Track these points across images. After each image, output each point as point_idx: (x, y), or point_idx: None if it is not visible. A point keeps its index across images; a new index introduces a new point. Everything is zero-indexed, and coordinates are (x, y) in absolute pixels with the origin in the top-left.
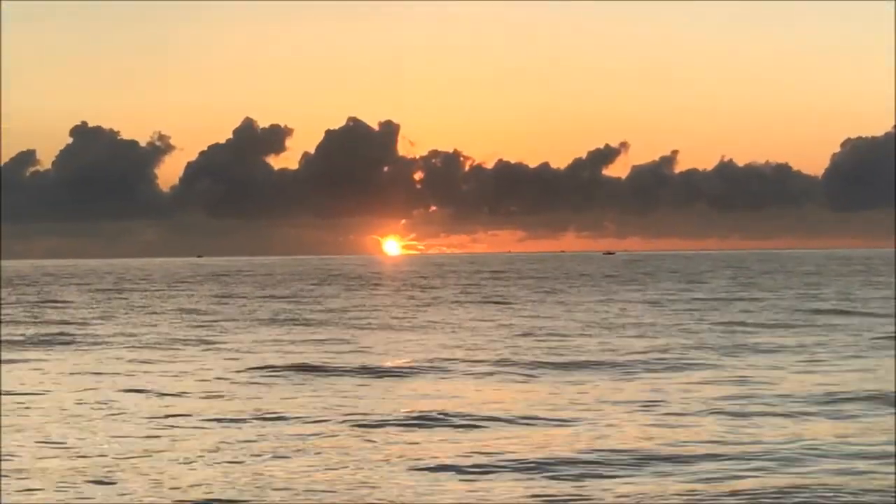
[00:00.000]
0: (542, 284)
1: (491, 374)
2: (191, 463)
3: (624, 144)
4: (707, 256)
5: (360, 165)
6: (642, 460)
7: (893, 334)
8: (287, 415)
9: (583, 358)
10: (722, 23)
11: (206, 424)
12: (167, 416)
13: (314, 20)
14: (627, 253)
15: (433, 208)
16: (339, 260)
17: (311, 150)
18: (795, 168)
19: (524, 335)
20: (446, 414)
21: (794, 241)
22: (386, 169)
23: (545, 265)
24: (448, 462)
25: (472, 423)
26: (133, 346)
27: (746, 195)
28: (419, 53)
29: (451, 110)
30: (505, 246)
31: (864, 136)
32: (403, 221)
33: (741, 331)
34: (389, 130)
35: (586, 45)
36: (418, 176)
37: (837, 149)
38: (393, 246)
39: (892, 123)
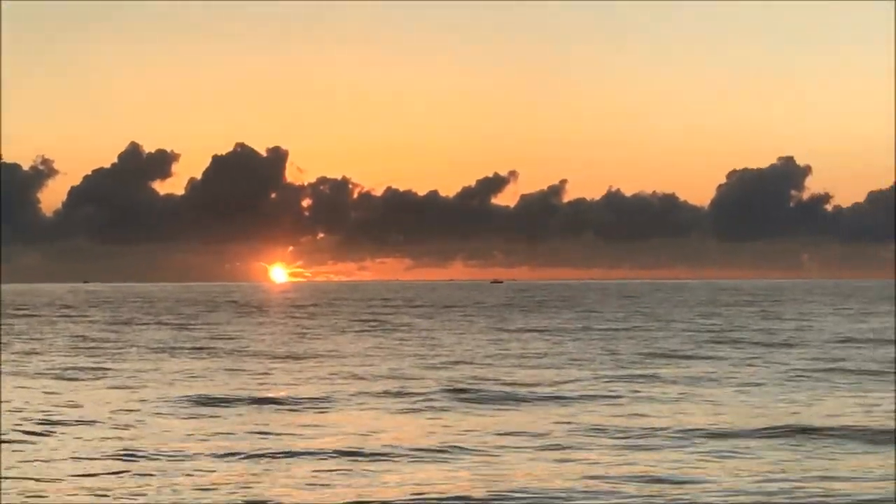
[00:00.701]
0: (436, 313)
1: (388, 404)
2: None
3: (513, 173)
4: (595, 286)
5: (247, 192)
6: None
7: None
8: (188, 451)
9: (483, 387)
10: (612, 54)
11: (116, 463)
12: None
13: (202, 44)
14: (516, 282)
15: (321, 235)
16: (226, 287)
17: (198, 176)
18: (682, 198)
19: (425, 365)
20: (349, 449)
21: (681, 272)
22: (273, 195)
23: (437, 294)
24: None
25: (372, 457)
26: (25, 375)
27: (634, 225)
28: (309, 80)
29: (341, 137)
30: (392, 274)
31: (749, 167)
32: (291, 248)
33: (631, 361)
34: (277, 157)
35: (477, 73)
36: (306, 203)
37: (723, 180)
38: (280, 273)
39: (777, 156)
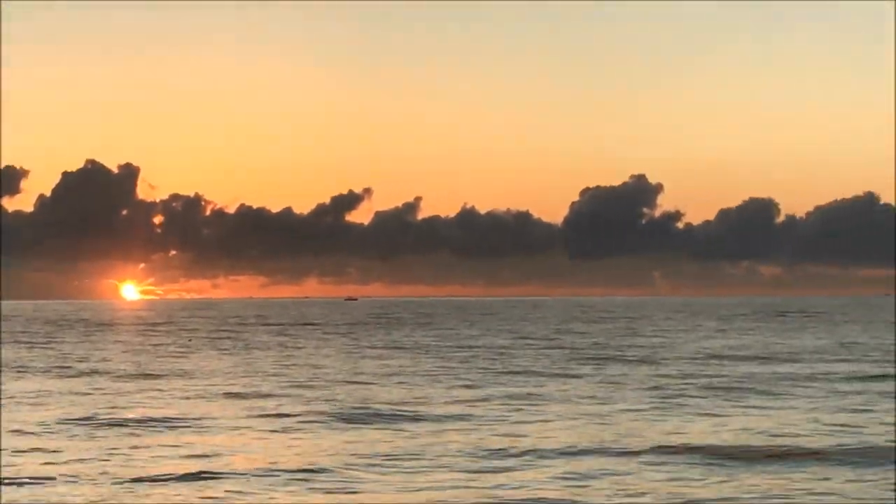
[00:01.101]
0: (294, 331)
1: (247, 424)
2: None
3: (367, 190)
4: (452, 303)
5: (97, 208)
6: None
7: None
8: (51, 473)
9: (344, 407)
10: (467, 72)
11: None
12: None
13: (51, 57)
14: (370, 299)
15: (173, 252)
16: (78, 305)
17: (47, 193)
18: (536, 216)
19: (285, 384)
20: (204, 471)
21: (536, 289)
22: (125, 212)
23: (293, 311)
24: None
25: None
26: None
27: (488, 242)
28: (161, 96)
29: (193, 153)
30: (246, 291)
31: (602, 185)
32: (142, 265)
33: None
34: (129, 173)
35: (332, 90)
36: (158, 219)
37: (577, 197)
38: (131, 291)
39: (630, 174)
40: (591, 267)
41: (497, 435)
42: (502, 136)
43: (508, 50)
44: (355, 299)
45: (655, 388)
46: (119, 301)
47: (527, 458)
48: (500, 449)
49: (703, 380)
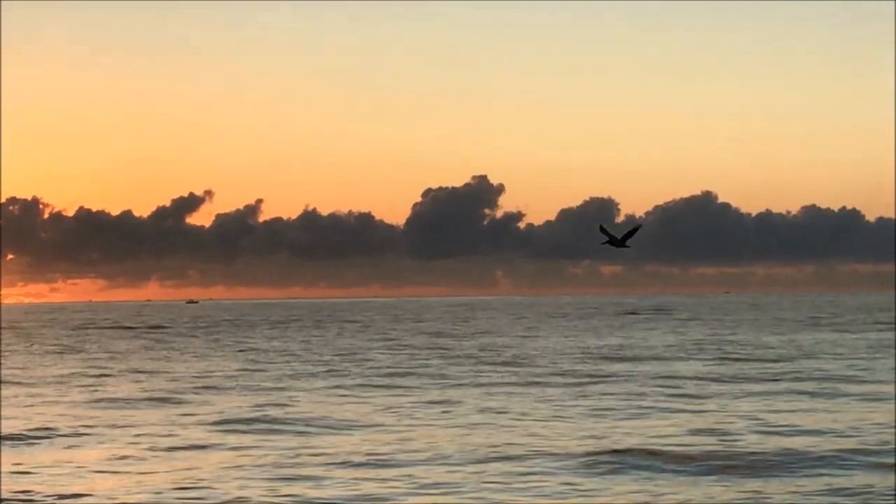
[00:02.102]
0: (137, 335)
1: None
2: None
3: (208, 193)
4: (293, 304)
5: None
6: None
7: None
8: None
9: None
10: (303, 67)
11: None
12: None
13: None
14: (212, 301)
15: (10, 257)
16: None
17: None
18: (378, 217)
19: (136, 391)
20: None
21: (377, 290)
22: None
23: (146, 314)
24: None
25: None
26: None
27: (330, 244)
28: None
29: (31, 156)
30: (85, 295)
31: (444, 186)
32: None
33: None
34: None
35: (170, 91)
36: None
37: (419, 198)
38: None
39: (472, 174)
40: (434, 268)
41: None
42: (344, 138)
43: (349, 51)
44: (196, 302)
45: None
46: None
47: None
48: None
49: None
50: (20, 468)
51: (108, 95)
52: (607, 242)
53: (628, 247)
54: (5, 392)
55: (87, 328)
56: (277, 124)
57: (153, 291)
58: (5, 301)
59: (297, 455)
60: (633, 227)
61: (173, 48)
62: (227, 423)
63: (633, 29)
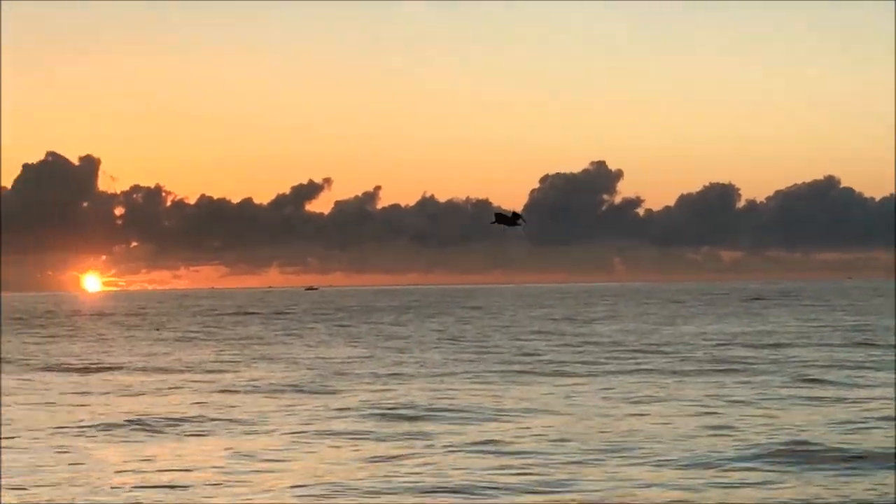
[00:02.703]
0: (271, 320)
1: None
2: None
3: (327, 180)
4: (413, 291)
5: (58, 201)
6: None
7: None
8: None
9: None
10: (420, 58)
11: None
12: None
13: (11, 52)
14: (332, 288)
15: (134, 244)
16: (41, 297)
17: (8, 186)
18: (495, 204)
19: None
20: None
21: (495, 276)
22: (85, 204)
23: (267, 301)
24: None
25: None
26: None
27: (447, 230)
28: (121, 87)
29: (154, 145)
30: (207, 282)
31: (562, 172)
32: (104, 257)
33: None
34: (89, 165)
35: (290, 80)
36: (119, 211)
37: (536, 184)
38: (93, 282)
39: (590, 160)
40: (552, 254)
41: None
42: (463, 125)
43: (468, 40)
44: (315, 288)
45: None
46: (81, 293)
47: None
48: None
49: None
50: (177, 456)
51: (229, 86)
52: (498, 222)
53: (520, 225)
54: (146, 379)
55: (222, 314)
56: (395, 112)
57: (273, 278)
58: (130, 287)
59: (474, 443)
60: (519, 216)
61: (292, 41)
62: (393, 412)
63: (754, 14)
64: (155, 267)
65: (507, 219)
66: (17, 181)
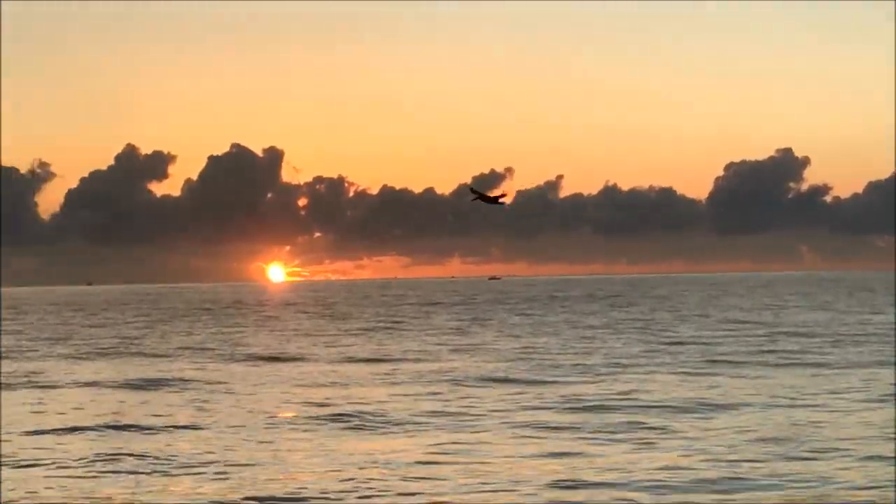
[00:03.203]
0: (477, 310)
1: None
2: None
3: (509, 170)
4: (595, 281)
5: (243, 192)
6: None
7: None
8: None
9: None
10: (604, 46)
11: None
12: None
13: (197, 46)
14: (514, 278)
15: (317, 234)
16: (230, 287)
17: (194, 177)
18: (679, 192)
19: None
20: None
21: (679, 266)
22: (270, 195)
23: (460, 292)
24: None
25: None
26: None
27: (631, 220)
28: (304, 80)
29: (337, 137)
30: (390, 272)
31: (747, 159)
32: (288, 248)
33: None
34: (273, 157)
35: (471, 71)
36: (302, 202)
37: (721, 173)
38: (277, 272)
39: (775, 147)
40: (736, 243)
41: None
42: (645, 112)
43: (658, 34)
44: (498, 278)
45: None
46: (266, 283)
47: None
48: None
49: None
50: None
51: (411, 77)
52: (477, 198)
53: (502, 204)
54: (348, 369)
55: (417, 304)
56: (578, 101)
57: (455, 268)
58: (313, 278)
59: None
60: (502, 194)
61: (473, 33)
62: (616, 404)
63: None
64: (338, 257)
65: (488, 197)
66: (202, 173)
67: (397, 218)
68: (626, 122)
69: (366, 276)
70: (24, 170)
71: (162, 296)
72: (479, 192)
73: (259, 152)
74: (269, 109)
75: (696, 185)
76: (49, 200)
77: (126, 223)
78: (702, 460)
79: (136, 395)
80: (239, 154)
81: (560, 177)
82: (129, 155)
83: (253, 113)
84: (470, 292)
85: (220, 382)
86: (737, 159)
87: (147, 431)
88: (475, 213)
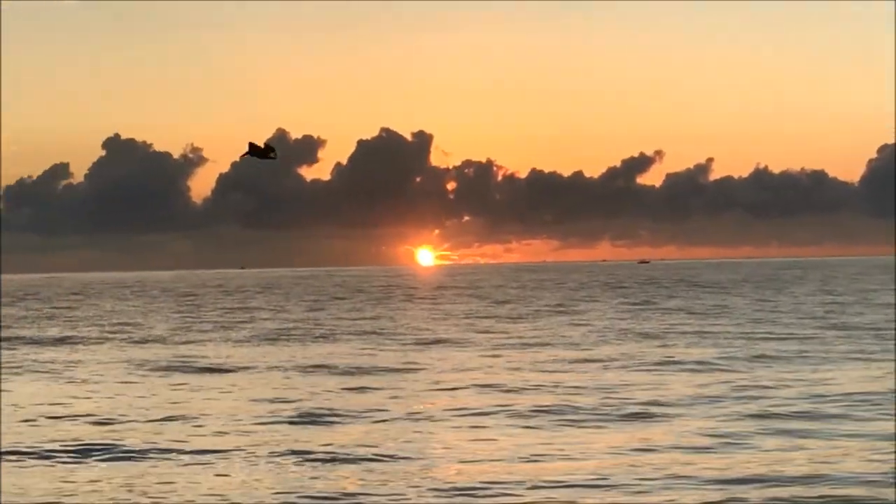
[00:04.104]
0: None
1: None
2: None
3: (658, 153)
4: (746, 264)
5: (392, 176)
6: None
7: None
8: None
9: None
10: (754, 28)
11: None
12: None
13: (347, 31)
14: (664, 261)
15: (466, 218)
16: (380, 270)
17: (344, 161)
18: (831, 175)
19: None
20: None
21: (831, 249)
22: (418, 179)
23: (627, 275)
24: None
25: None
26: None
27: (782, 202)
28: (453, 64)
29: (485, 120)
30: (539, 256)
31: None
32: (436, 231)
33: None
34: (422, 141)
35: (620, 53)
36: (451, 186)
37: (874, 154)
38: (426, 256)
39: None
40: (891, 226)
41: None
42: (796, 94)
43: (804, 13)
44: (648, 262)
45: None
46: (415, 267)
47: None
48: None
49: None
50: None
51: (559, 59)
52: (247, 155)
53: (273, 158)
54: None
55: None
56: (726, 83)
57: (604, 251)
58: (462, 261)
59: None
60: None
61: (622, 11)
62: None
63: None
64: (486, 241)
65: (260, 150)
66: (352, 157)
67: (546, 201)
68: (776, 105)
69: (515, 259)
70: (176, 155)
71: (315, 279)
72: (252, 148)
73: (408, 136)
74: (418, 93)
75: (849, 167)
76: (201, 185)
77: (276, 207)
78: None
79: (322, 380)
80: (388, 138)
81: (710, 160)
82: (279, 139)
83: (402, 97)
84: (637, 275)
85: (407, 370)
86: (890, 141)
87: (345, 422)
88: (623, 197)
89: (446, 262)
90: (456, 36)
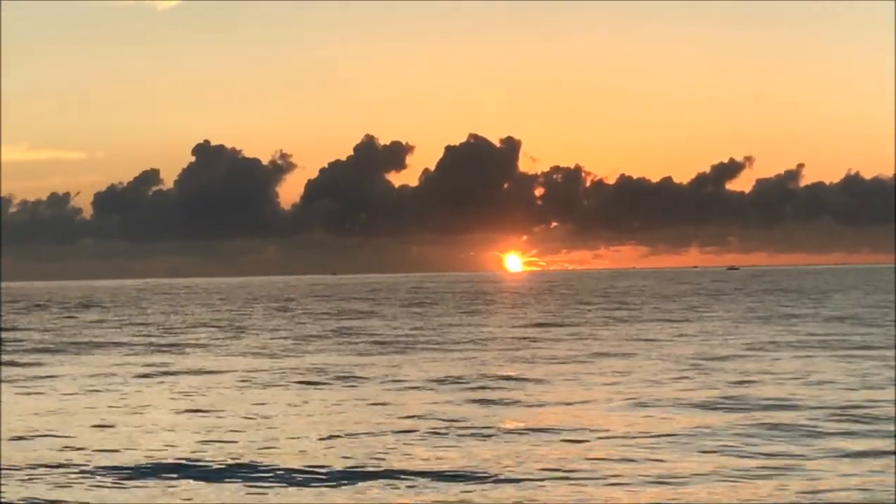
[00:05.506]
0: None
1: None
2: None
3: (748, 158)
4: (837, 271)
5: (480, 182)
6: None
7: None
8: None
9: None
10: (846, 33)
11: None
12: None
13: (435, 37)
14: (753, 268)
15: (554, 224)
16: (471, 276)
17: (432, 167)
18: None
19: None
20: None
21: None
22: (506, 185)
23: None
24: None
25: None
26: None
27: (874, 209)
28: (541, 70)
29: (573, 126)
30: (627, 262)
31: None
32: (524, 237)
33: None
34: (510, 146)
35: (709, 59)
36: (539, 192)
37: None
38: (514, 262)
39: None
40: None
41: None
42: (888, 99)
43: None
44: (737, 268)
45: None
46: (503, 273)
47: None
48: None
49: None
50: None
51: (648, 63)
52: None
53: None
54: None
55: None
56: (818, 88)
57: (693, 258)
58: (550, 268)
59: None
60: None
61: (709, 15)
62: None
63: None
64: (574, 247)
65: None
66: (440, 163)
67: (634, 208)
68: (868, 110)
69: (603, 265)
70: (265, 161)
71: (407, 285)
72: None
73: (496, 142)
74: (506, 100)
75: None
76: (290, 191)
77: (365, 213)
78: None
79: (450, 394)
80: (476, 144)
81: (801, 165)
82: (367, 145)
83: (490, 103)
84: (735, 282)
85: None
86: None
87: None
88: (712, 203)
89: (534, 269)
90: (544, 41)
